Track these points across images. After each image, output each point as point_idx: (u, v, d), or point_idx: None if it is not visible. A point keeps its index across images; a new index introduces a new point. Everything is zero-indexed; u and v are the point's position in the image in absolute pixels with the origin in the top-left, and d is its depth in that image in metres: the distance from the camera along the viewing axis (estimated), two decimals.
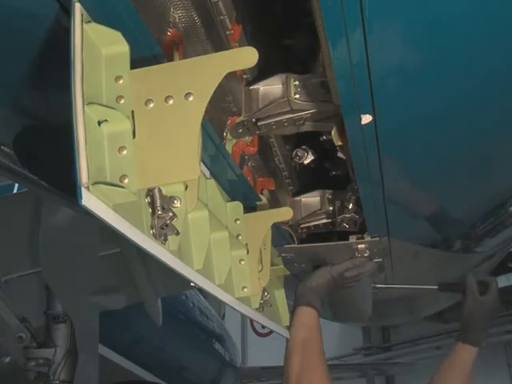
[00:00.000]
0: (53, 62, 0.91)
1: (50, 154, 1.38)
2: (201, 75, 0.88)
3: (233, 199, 1.40)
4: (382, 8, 0.84)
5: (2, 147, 1.55)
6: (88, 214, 0.72)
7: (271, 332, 1.71)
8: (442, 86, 1.05)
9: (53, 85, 1.03)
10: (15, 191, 3.99)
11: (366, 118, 1.07)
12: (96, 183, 0.72)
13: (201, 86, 0.87)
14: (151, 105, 0.87)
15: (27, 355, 2.74)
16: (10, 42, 0.93)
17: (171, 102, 0.87)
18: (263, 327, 1.68)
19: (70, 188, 0.72)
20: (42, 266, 2.57)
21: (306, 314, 1.85)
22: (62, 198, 1.83)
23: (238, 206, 1.39)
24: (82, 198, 0.68)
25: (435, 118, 1.16)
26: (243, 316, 1.44)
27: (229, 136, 1.46)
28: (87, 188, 0.70)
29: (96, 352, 2.89)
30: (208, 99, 0.87)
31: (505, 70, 1.03)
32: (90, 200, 0.70)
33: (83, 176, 0.70)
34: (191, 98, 0.86)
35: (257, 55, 0.86)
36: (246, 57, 0.87)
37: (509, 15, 0.88)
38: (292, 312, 1.88)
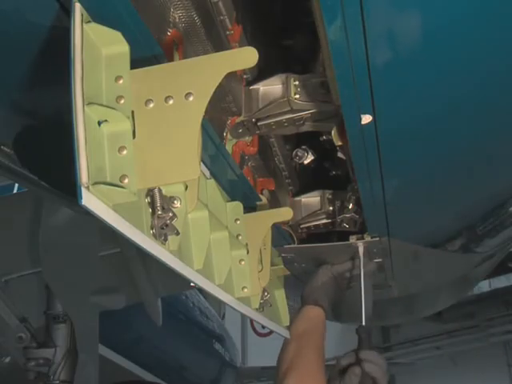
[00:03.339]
0: (53, 62, 0.91)
1: (50, 154, 1.38)
2: (201, 75, 0.88)
3: (233, 199, 1.40)
4: (382, 8, 0.84)
5: (1, 147, 1.55)
6: (88, 214, 0.72)
7: (271, 332, 1.70)
8: (442, 86, 1.05)
9: (53, 85, 1.03)
10: (15, 191, 3.99)
11: (366, 118, 1.07)
12: (96, 183, 0.72)
13: (201, 86, 0.87)
14: (151, 105, 0.87)
15: (27, 355, 2.74)
16: (10, 41, 0.93)
17: (171, 102, 0.87)
18: (263, 327, 1.67)
19: (70, 188, 0.72)
20: (42, 266, 2.57)
21: (311, 311, 1.83)
22: (62, 198, 1.83)
23: (238, 205, 1.39)
24: (81, 198, 0.68)
25: (435, 118, 1.16)
26: (243, 316, 1.44)
27: (229, 136, 1.46)
28: (87, 188, 0.70)
29: (96, 352, 2.89)
30: (208, 99, 0.87)
31: (505, 69, 1.03)
32: (90, 200, 0.70)
33: (83, 176, 0.70)
34: (191, 98, 0.86)
35: (257, 55, 0.86)
36: (246, 57, 0.88)
37: (509, 15, 0.88)
38: (297, 311, 1.86)
